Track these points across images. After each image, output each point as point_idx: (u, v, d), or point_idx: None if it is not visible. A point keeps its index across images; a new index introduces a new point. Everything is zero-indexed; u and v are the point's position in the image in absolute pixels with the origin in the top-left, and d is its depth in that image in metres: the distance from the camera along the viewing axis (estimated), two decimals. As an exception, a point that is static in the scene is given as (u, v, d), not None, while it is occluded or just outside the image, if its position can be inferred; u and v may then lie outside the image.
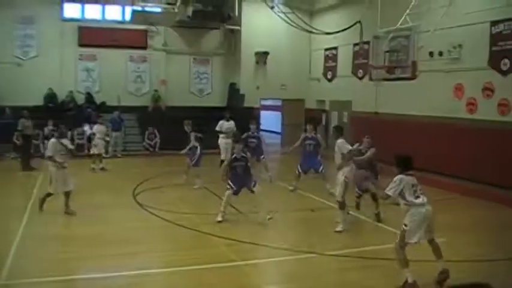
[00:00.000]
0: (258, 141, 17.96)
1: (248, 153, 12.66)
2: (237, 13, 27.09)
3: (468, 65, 17.87)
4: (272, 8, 23.52)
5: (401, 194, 8.34)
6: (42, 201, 12.58)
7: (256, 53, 28.12)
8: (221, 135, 19.07)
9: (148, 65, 28.18)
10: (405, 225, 8.33)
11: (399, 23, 17.37)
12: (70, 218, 12.27)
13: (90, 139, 22.02)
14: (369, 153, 12.51)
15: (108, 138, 21.67)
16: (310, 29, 24.27)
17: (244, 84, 28.29)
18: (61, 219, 12.23)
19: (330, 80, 27.29)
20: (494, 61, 16.86)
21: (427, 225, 8.36)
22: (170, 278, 8.67)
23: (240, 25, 27.96)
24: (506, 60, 16.42)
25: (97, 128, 20.22)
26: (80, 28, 26.57)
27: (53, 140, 12.66)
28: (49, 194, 12.52)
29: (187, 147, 16.78)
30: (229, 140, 18.00)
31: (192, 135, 16.95)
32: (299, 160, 16.21)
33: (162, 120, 25.68)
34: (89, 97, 26.52)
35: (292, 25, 22.70)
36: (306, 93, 29.22)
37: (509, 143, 15.91)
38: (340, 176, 11.58)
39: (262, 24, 27.39)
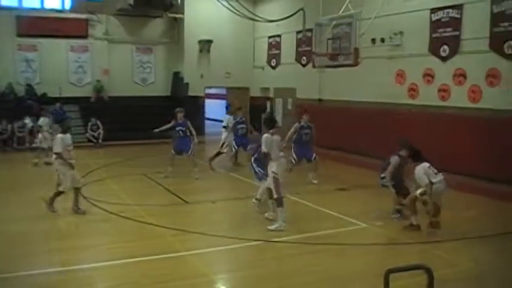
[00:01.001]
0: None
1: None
2: (179, 1, 26.93)
3: (409, 51, 18.20)
4: (215, -5, 23.39)
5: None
6: (52, 200, 11.80)
7: (200, 42, 27.89)
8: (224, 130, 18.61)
9: (90, 55, 27.56)
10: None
11: (341, 11, 17.48)
12: (11, 213, 11.89)
13: (31, 132, 21.51)
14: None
15: (50, 130, 21.18)
16: (253, 17, 24.23)
17: (188, 73, 28.04)
18: (5, 215, 11.85)
19: (274, 68, 27.34)
20: (434, 47, 17.19)
21: None
22: (115, 271, 8.51)
23: (183, 13, 27.73)
24: (446, 47, 16.76)
25: (43, 121, 19.58)
26: (18, 17, 25.73)
27: (60, 135, 11.88)
28: (59, 193, 11.81)
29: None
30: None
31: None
32: (293, 149, 15.80)
33: (105, 111, 25.30)
34: (29, 89, 25.78)
35: (235, 13, 22.63)
36: (251, 81, 29.20)
37: (449, 127, 16.28)
38: (270, 173, 10.89)
39: (205, 12, 27.19)
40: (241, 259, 9.26)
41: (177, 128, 16.32)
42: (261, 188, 11.82)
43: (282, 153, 11.21)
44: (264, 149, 10.73)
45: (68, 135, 11.99)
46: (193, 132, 16.38)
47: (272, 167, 10.79)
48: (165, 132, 16.80)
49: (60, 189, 11.77)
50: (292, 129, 15.82)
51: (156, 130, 16.79)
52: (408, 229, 10.40)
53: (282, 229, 10.44)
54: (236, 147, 17.79)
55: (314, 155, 15.73)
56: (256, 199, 11.96)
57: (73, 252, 9.31)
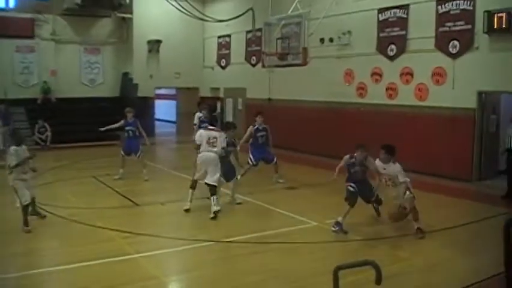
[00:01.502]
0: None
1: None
2: (128, 0, 26.65)
3: (357, 50, 18.48)
4: (164, -5, 23.24)
5: None
6: (25, 215, 10.69)
7: (149, 42, 27.69)
8: None
9: (36, 55, 26.94)
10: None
11: (290, 10, 17.58)
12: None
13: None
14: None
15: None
16: (203, 17, 24.19)
17: (138, 73, 27.81)
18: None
19: (223, 68, 27.36)
20: (381, 47, 17.49)
21: None
22: (64, 276, 8.34)
23: (131, 13, 27.51)
24: (393, 46, 17.07)
25: None
26: (-40, 16, 25.11)
27: (14, 147, 10.98)
28: (26, 206, 10.79)
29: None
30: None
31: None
32: (250, 151, 15.50)
33: (52, 112, 24.85)
34: (-27, 90, 25.18)
35: (184, 13, 22.52)
36: (200, 81, 29.18)
37: (397, 125, 16.58)
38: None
39: (154, 12, 27.05)
40: (192, 260, 9.20)
41: (127, 128, 16.11)
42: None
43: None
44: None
45: (23, 147, 11.27)
46: (144, 134, 16.28)
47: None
48: (113, 132, 16.60)
49: (21, 204, 10.78)
50: (248, 133, 15.37)
51: (103, 129, 16.64)
52: (418, 235, 10.07)
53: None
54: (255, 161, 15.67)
55: (274, 158, 15.52)
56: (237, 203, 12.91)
57: (20, 258, 9.11)
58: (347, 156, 10.84)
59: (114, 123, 16.40)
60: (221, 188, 12.52)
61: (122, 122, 16.19)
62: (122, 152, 16.14)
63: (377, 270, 4.89)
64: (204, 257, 9.26)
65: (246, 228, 10.92)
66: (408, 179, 10.17)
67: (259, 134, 15.39)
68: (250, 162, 15.29)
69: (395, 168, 10.15)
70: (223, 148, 11.81)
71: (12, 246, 9.67)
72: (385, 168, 10.27)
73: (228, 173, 12.47)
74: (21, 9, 24.06)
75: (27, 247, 9.65)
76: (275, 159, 15.55)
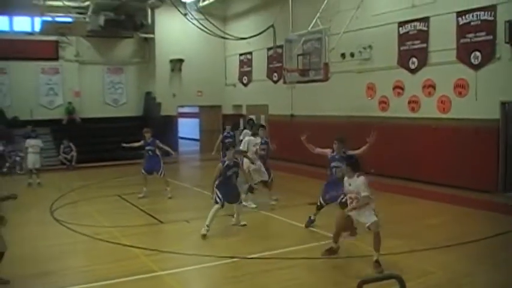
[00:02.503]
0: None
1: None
2: (150, 21, 26.99)
3: (379, 64, 18.42)
4: (185, 15, 23.45)
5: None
6: None
7: (171, 61, 27.96)
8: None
9: (60, 77, 27.42)
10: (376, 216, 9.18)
11: (310, 26, 17.65)
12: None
13: (2, 156, 21.31)
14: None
15: (21, 154, 21.09)
16: (224, 35, 24.35)
17: (160, 92, 28.07)
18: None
19: (245, 85, 27.46)
20: (403, 60, 17.43)
21: None
22: (90, 294, 8.44)
23: (153, 33, 27.83)
24: (414, 59, 17.00)
25: (29, 142, 19.55)
26: (-14, 41, 25.61)
27: None
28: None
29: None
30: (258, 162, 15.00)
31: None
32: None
33: (77, 132, 25.14)
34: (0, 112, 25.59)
35: (206, 31, 22.70)
36: (223, 98, 29.32)
37: (421, 138, 16.48)
38: None
39: (176, 32, 27.30)
40: (216, 277, 9.23)
41: (146, 148, 16.41)
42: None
43: None
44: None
45: None
46: (166, 148, 16.61)
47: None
48: (137, 151, 16.78)
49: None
50: (254, 148, 14.99)
51: (126, 145, 16.98)
52: (377, 269, 8.85)
53: None
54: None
55: (271, 176, 14.99)
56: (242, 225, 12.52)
57: (48, 277, 9.18)
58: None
59: (136, 142, 16.63)
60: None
61: (142, 142, 16.50)
62: (143, 171, 16.37)
63: (401, 284, 4.86)
64: (227, 273, 9.27)
65: (269, 244, 10.93)
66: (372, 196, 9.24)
67: (262, 147, 15.16)
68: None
69: (358, 181, 9.25)
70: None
71: (38, 265, 9.77)
72: (350, 184, 9.39)
73: (231, 194, 12.02)
74: (46, 32, 24.40)
75: (53, 265, 9.73)
76: (271, 178, 14.99)
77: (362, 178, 9.27)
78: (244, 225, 12.49)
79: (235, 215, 12.50)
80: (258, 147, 14.89)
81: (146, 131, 16.61)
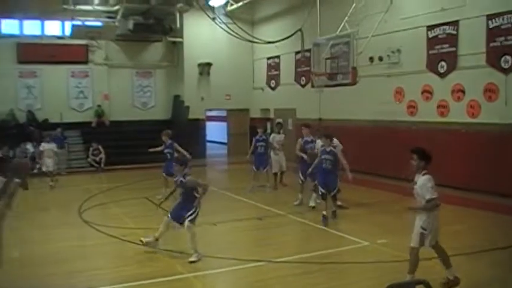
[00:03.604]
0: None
1: None
2: (178, 25, 27.12)
3: (407, 68, 18.30)
4: (213, 19, 23.57)
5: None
6: None
7: (199, 64, 28.09)
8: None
9: (90, 80, 27.75)
10: (424, 229, 8.13)
11: (339, 30, 17.62)
12: (15, 238, 11.91)
13: (33, 158, 21.60)
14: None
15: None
16: (252, 39, 24.40)
17: (189, 96, 28.22)
18: (6, 240, 11.86)
19: (273, 89, 27.48)
20: (431, 64, 17.29)
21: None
22: (118, 295, 8.52)
23: (182, 37, 27.99)
24: (443, 63, 16.85)
25: (44, 146, 19.90)
26: (19, 44, 25.98)
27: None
28: None
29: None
30: (281, 153, 18.00)
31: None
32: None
33: (106, 135, 25.38)
34: (31, 115, 26.00)
35: (234, 35, 22.78)
36: (250, 102, 29.36)
37: (450, 143, 16.30)
38: None
39: (204, 36, 27.40)
40: (244, 280, 9.22)
41: (165, 151, 16.46)
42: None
43: None
44: None
45: None
46: (184, 152, 16.03)
47: None
48: (162, 154, 16.80)
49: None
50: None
51: (151, 150, 17.10)
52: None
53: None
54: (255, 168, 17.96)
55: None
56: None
57: (76, 276, 9.29)
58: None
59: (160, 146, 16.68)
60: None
61: (162, 146, 16.55)
62: (163, 173, 16.39)
63: (429, 290, 4.82)
64: (255, 277, 9.26)
65: (297, 248, 10.94)
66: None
67: (259, 144, 17.63)
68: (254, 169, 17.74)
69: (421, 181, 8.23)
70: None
71: (67, 265, 9.88)
72: (416, 183, 8.34)
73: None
74: (76, 36, 24.69)
75: (80, 266, 9.83)
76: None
77: (426, 177, 8.21)
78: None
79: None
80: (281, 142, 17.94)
81: (164, 133, 16.66)
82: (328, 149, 13.28)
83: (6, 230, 9.08)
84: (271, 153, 17.85)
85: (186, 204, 10.24)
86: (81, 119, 27.08)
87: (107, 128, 26.89)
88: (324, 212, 12.78)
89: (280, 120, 24.29)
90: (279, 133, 18.42)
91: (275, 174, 18.12)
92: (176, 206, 10.60)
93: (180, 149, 16.35)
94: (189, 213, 10.07)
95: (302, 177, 15.27)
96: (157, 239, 10.66)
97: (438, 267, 9.22)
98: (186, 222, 10.03)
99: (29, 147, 22.90)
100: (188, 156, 16.44)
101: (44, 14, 26.05)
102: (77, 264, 9.96)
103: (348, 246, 10.91)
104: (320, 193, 13.33)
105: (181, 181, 10.24)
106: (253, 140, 18.38)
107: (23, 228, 12.62)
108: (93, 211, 14.87)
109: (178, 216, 10.27)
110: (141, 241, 10.74)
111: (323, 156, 13.33)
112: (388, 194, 16.79)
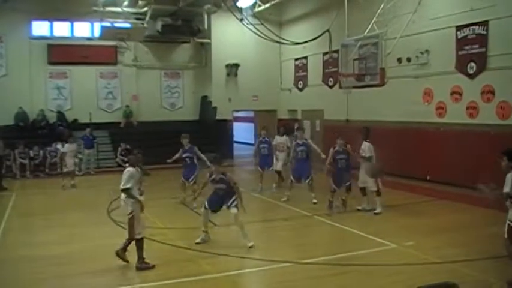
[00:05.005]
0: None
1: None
2: (206, 26, 27.24)
3: (436, 69, 18.14)
4: (241, 20, 23.56)
5: None
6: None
7: (227, 65, 28.19)
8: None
9: (119, 81, 28.07)
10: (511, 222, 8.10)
11: (366, 31, 17.55)
12: (44, 238, 12.13)
13: (62, 157, 21.91)
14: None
15: (80, 156, 21.76)
16: (279, 40, 24.36)
17: (216, 96, 28.33)
18: (34, 239, 12.09)
19: (301, 90, 27.45)
20: (461, 65, 17.12)
21: None
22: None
23: (210, 38, 28.11)
24: (473, 64, 16.67)
25: (68, 147, 20.10)
26: (49, 46, 26.40)
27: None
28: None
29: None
30: (282, 155, 18.36)
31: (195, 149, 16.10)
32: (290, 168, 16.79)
33: (134, 136, 25.56)
34: (60, 115, 26.37)
35: (261, 36, 22.72)
36: (278, 103, 29.35)
37: (479, 145, 16.12)
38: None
39: (232, 37, 27.48)
40: (271, 280, 9.26)
41: (184, 156, 15.96)
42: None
43: None
44: None
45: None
46: (203, 157, 15.13)
47: None
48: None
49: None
50: (291, 151, 16.88)
51: (170, 160, 16.39)
52: None
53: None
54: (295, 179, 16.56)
55: (310, 176, 16.10)
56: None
57: (105, 275, 9.42)
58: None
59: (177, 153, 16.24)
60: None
61: (180, 150, 16.06)
62: (182, 179, 16.12)
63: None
64: (281, 277, 9.27)
65: (323, 249, 10.93)
66: None
67: (299, 149, 16.30)
68: (289, 181, 16.58)
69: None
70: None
71: (95, 264, 10.00)
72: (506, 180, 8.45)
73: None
74: (105, 37, 24.95)
75: (109, 264, 9.93)
76: (309, 179, 16.07)
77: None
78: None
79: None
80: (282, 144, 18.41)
81: (184, 136, 16.14)
82: (300, 142, 16.10)
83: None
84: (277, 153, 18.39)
85: (225, 198, 11.13)
86: (110, 120, 27.41)
87: (135, 129, 27.10)
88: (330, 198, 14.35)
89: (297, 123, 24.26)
90: (282, 135, 18.80)
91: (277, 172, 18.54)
92: (214, 200, 11.32)
93: (200, 154, 15.79)
94: (232, 199, 11.08)
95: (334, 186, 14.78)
96: (206, 231, 11.42)
97: (465, 270, 9.18)
98: (233, 209, 11.05)
99: (59, 147, 23.15)
100: (208, 163, 16.18)
101: (73, 16, 26.41)
102: (106, 262, 10.05)
103: (375, 248, 10.86)
104: (290, 181, 16.17)
105: (221, 178, 11.12)
106: (256, 142, 18.60)
107: (51, 228, 12.82)
108: (121, 210, 14.96)
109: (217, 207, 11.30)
110: (197, 243, 11.20)
111: (298, 149, 16.02)
112: (416, 196, 16.68)
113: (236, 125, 30.35)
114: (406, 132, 19.17)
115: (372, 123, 20.31)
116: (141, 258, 9.67)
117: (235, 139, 30.22)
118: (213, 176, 11.20)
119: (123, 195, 9.97)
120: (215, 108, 28.19)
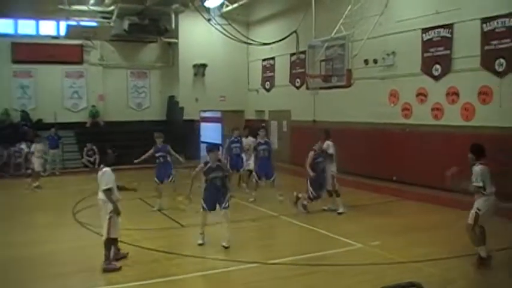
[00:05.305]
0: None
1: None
2: (173, 26, 27.13)
3: (402, 71, 18.33)
4: (209, 20, 23.51)
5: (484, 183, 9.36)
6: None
7: (195, 65, 28.08)
8: None
9: (85, 80, 27.76)
10: (478, 210, 9.36)
11: (334, 32, 17.62)
12: (9, 239, 11.91)
13: (27, 157, 21.61)
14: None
15: (46, 157, 21.46)
16: (247, 40, 24.38)
17: (183, 96, 28.21)
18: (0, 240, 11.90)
19: (268, 90, 27.48)
20: (426, 67, 17.33)
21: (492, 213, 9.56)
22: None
23: (177, 38, 28.01)
24: (438, 66, 16.90)
25: (35, 147, 19.81)
26: (13, 44, 25.98)
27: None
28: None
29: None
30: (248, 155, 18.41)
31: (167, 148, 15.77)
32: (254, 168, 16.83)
33: (100, 136, 25.31)
34: (25, 114, 25.97)
35: (229, 37, 22.71)
36: (245, 104, 29.35)
37: (444, 146, 16.32)
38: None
39: (199, 37, 27.38)
40: (238, 281, 9.24)
41: (157, 154, 15.55)
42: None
43: None
44: None
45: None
46: (177, 156, 15.70)
47: None
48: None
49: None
50: (251, 148, 17.56)
51: (137, 160, 15.90)
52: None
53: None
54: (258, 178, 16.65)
55: (274, 175, 16.37)
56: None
57: (70, 277, 9.32)
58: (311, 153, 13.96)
59: (146, 152, 15.78)
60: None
61: (152, 149, 15.63)
62: (156, 180, 15.66)
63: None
64: (248, 278, 9.26)
65: (290, 250, 10.94)
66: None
67: (261, 147, 16.57)
68: (254, 180, 16.74)
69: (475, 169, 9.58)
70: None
71: (56, 267, 9.87)
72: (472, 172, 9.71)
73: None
74: (71, 36, 24.68)
75: (75, 267, 9.83)
76: (273, 177, 16.36)
77: (479, 168, 9.57)
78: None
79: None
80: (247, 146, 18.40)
81: (158, 136, 15.77)
82: (263, 141, 16.55)
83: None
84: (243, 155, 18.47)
85: (221, 191, 11.31)
86: (76, 119, 27.07)
87: (101, 129, 26.85)
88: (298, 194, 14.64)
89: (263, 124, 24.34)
90: (246, 137, 18.86)
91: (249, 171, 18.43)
92: (210, 195, 11.34)
93: (174, 152, 15.73)
94: (226, 199, 11.29)
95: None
96: (201, 233, 11.31)
97: (430, 269, 9.29)
98: (225, 211, 11.20)
99: (23, 147, 22.87)
100: (181, 160, 16.25)
101: (39, 14, 26.01)
102: (71, 265, 9.95)
103: (342, 248, 10.93)
104: (255, 181, 16.44)
105: (218, 165, 11.33)
106: (227, 142, 18.66)
107: (15, 229, 12.63)
108: (86, 212, 14.81)
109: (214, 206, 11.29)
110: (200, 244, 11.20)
111: (260, 147, 16.43)
112: (382, 196, 16.84)
113: (203, 125, 30.25)
114: (373, 133, 19.32)
115: (339, 124, 20.49)
116: (108, 259, 9.57)
117: (202, 139, 30.10)
118: (209, 164, 11.29)
119: (101, 195, 9.70)
120: (182, 108, 28.07)
